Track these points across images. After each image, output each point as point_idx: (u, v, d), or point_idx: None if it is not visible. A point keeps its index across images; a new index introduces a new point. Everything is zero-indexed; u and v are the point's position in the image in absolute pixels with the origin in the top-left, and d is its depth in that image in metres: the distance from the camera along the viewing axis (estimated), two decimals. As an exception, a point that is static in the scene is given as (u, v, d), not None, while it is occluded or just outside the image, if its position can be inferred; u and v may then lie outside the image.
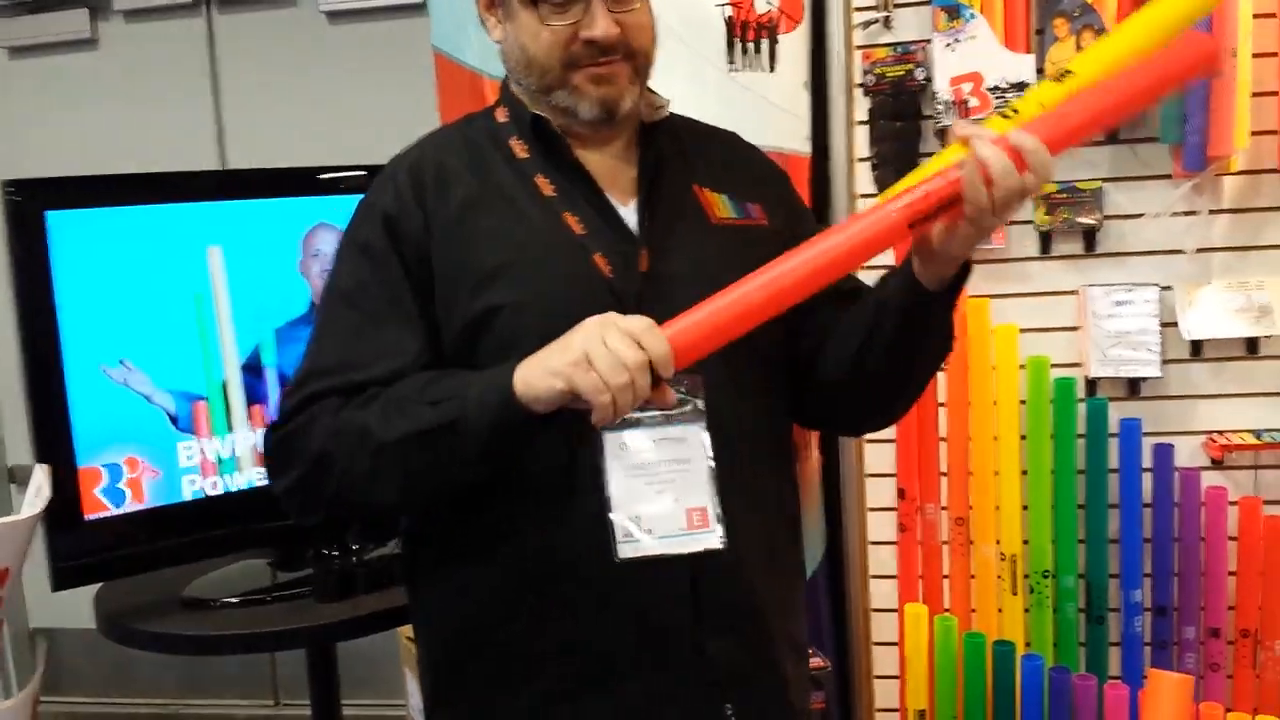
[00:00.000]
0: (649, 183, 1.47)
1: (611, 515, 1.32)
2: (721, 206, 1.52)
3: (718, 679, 1.41)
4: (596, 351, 1.20)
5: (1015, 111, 1.33)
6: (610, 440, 1.34)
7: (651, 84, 1.52)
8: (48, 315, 1.80)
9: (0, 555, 1.25)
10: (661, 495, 1.33)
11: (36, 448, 1.80)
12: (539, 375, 1.25)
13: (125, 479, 1.86)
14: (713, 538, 1.33)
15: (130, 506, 1.87)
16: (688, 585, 1.38)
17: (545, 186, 1.44)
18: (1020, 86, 2.26)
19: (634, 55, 1.43)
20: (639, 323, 1.22)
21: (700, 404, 1.36)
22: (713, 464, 1.34)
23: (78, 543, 1.83)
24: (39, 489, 1.58)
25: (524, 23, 1.42)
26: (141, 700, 4.00)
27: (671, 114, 1.55)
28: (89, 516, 1.83)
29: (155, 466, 1.89)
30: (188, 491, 1.92)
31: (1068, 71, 1.35)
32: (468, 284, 1.39)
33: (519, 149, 1.47)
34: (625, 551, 1.32)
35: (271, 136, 3.52)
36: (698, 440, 1.36)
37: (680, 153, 1.54)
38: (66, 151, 3.58)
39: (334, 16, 3.46)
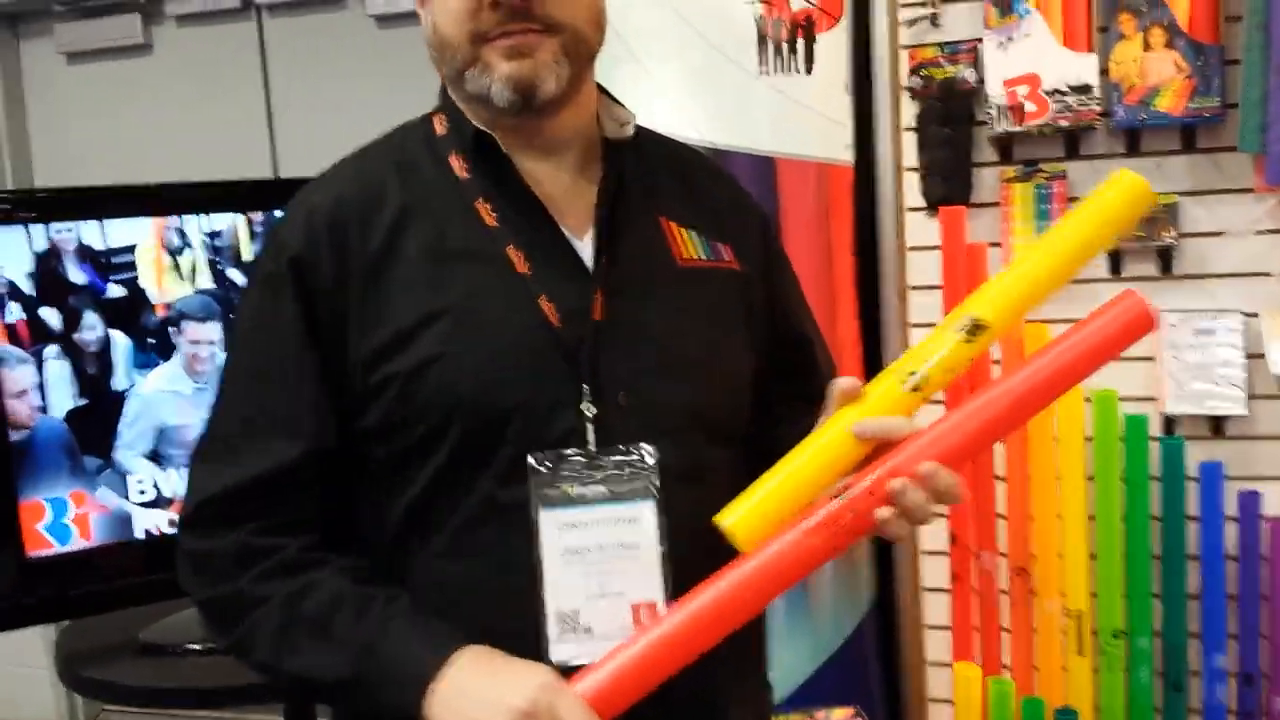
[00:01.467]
0: (608, 211, 1.26)
1: (545, 608, 1.16)
2: (689, 245, 1.31)
3: None
4: None
5: (925, 381, 1.13)
6: (547, 519, 1.17)
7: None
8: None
9: None
10: (604, 587, 1.17)
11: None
12: None
13: (71, 514, 1.74)
14: None
15: (77, 544, 1.75)
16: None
17: (486, 214, 1.24)
18: (1083, 89, 2.03)
19: (558, 28, 1.20)
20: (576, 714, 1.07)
21: (654, 480, 1.19)
22: (664, 550, 1.17)
23: (19, 582, 1.72)
24: None
25: None
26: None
27: (639, 129, 1.33)
28: (31, 554, 1.72)
29: (103, 502, 1.76)
30: (140, 529, 1.80)
31: (978, 324, 1.13)
32: (390, 337, 1.20)
33: (459, 167, 1.26)
34: (559, 653, 1.16)
35: (322, 139, 3.43)
36: (649, 522, 1.19)
37: (648, 177, 1.33)
38: (120, 155, 3.57)
39: (382, 20, 3.35)
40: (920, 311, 2.20)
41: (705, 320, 1.28)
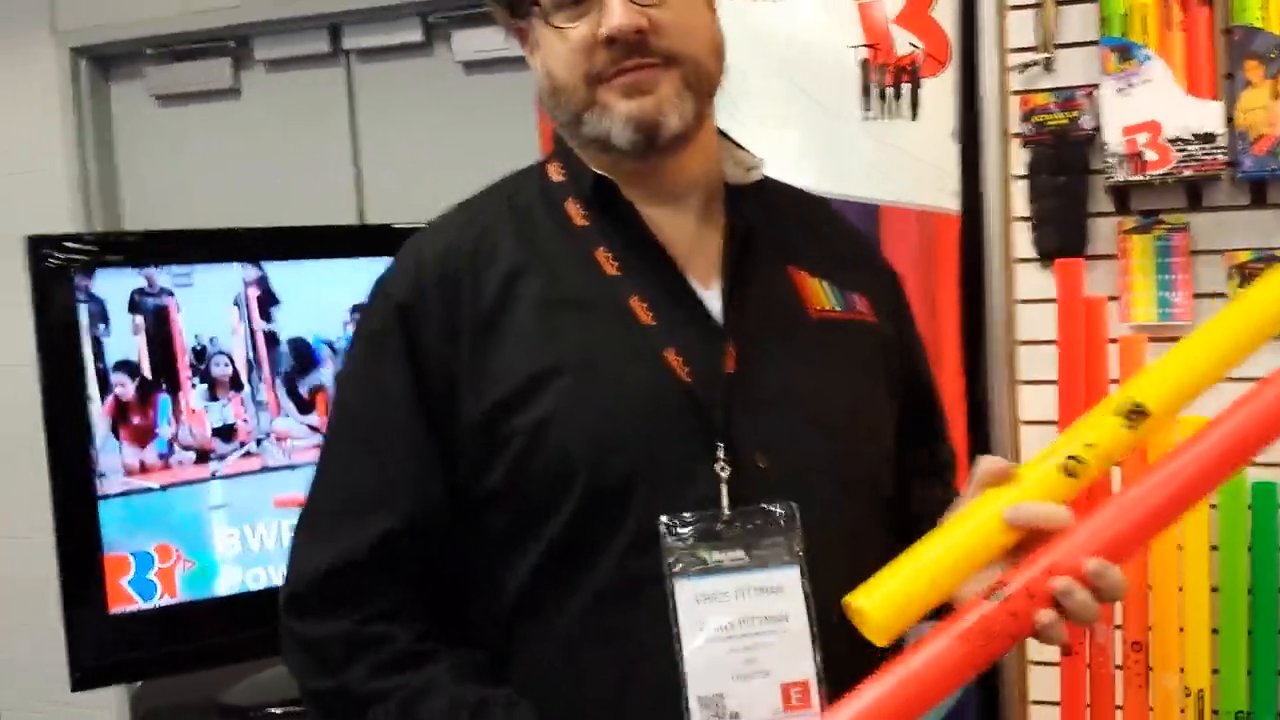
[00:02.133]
0: (736, 261, 1.19)
1: (688, 695, 1.06)
2: (822, 296, 1.23)
3: None
4: None
5: (1080, 466, 1.04)
6: (682, 589, 1.08)
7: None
8: (74, 380, 1.66)
9: None
10: (750, 665, 1.07)
11: (58, 531, 1.65)
12: None
13: (156, 569, 1.69)
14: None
15: (161, 600, 1.70)
16: None
17: (608, 263, 1.17)
18: (1207, 138, 1.93)
19: (678, 61, 1.14)
20: None
21: (798, 543, 1.10)
22: (814, 622, 1.08)
23: (101, 640, 1.68)
24: None
25: (545, 43, 1.16)
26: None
27: (766, 177, 1.26)
28: (114, 610, 1.68)
29: (189, 556, 1.71)
30: (225, 585, 1.74)
31: (1140, 410, 1.04)
32: (505, 395, 1.13)
33: (576, 215, 1.20)
34: None
35: (408, 185, 3.44)
36: (795, 590, 1.09)
37: (776, 225, 1.25)
38: (208, 199, 3.60)
39: (470, 67, 3.36)
40: (1028, 367, 2.10)
41: (845, 374, 1.21)
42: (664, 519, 1.09)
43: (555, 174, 1.25)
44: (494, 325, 1.15)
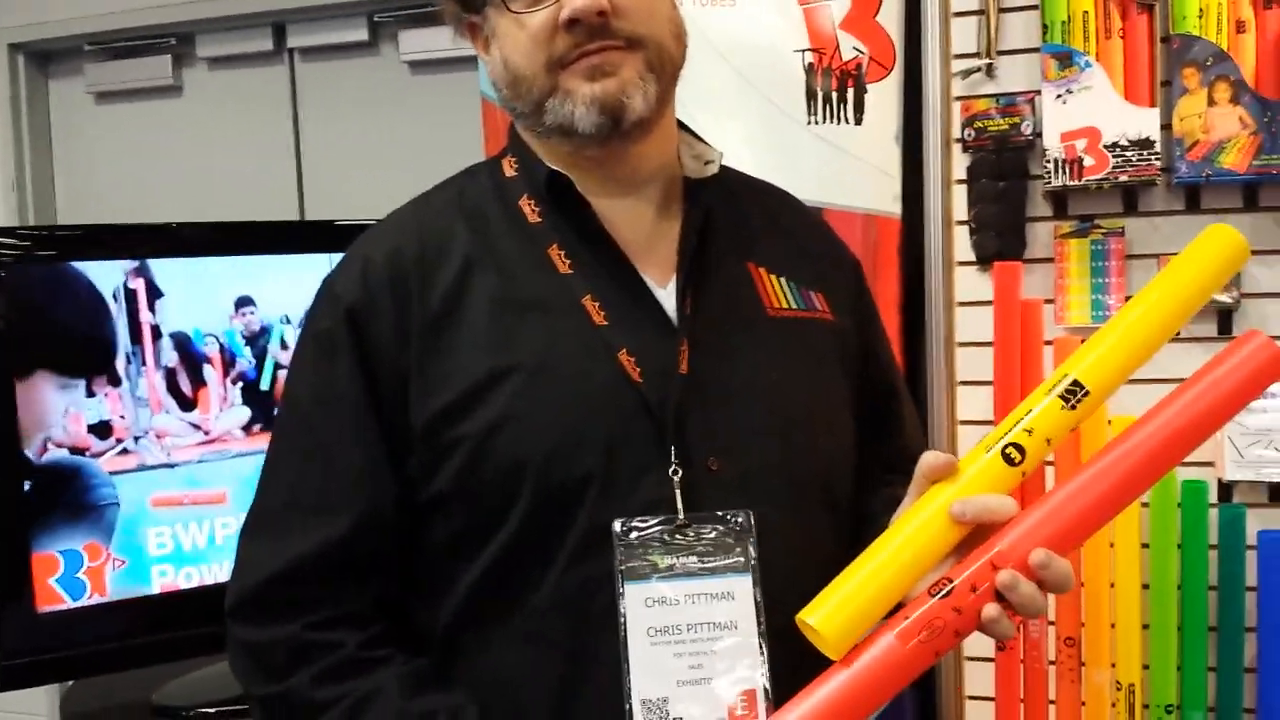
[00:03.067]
0: (692, 257, 1.18)
1: (632, 699, 1.06)
2: (780, 294, 1.23)
3: None
4: None
5: (1021, 454, 1.03)
6: (632, 593, 1.07)
7: (715, 134, 1.26)
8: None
9: None
10: (696, 671, 1.06)
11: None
12: None
13: (85, 568, 1.66)
14: None
15: (90, 599, 1.67)
16: None
17: (560, 261, 1.16)
18: (1144, 144, 1.97)
19: (641, 43, 1.13)
20: None
21: (751, 551, 1.09)
22: (763, 630, 1.07)
23: (28, 638, 1.65)
24: None
25: (503, 32, 1.15)
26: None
27: (724, 168, 1.25)
28: (42, 609, 1.65)
29: (121, 555, 1.69)
30: (157, 584, 1.72)
31: (1079, 387, 1.03)
32: (455, 398, 1.12)
33: (530, 211, 1.19)
34: None
35: (350, 183, 3.42)
36: (746, 598, 1.08)
37: (735, 220, 1.25)
38: (147, 196, 3.56)
39: (415, 66, 3.33)
40: (967, 368, 2.13)
41: (801, 375, 1.20)
42: (618, 522, 1.08)
43: (509, 170, 1.24)
44: (445, 326, 1.14)
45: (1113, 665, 2.05)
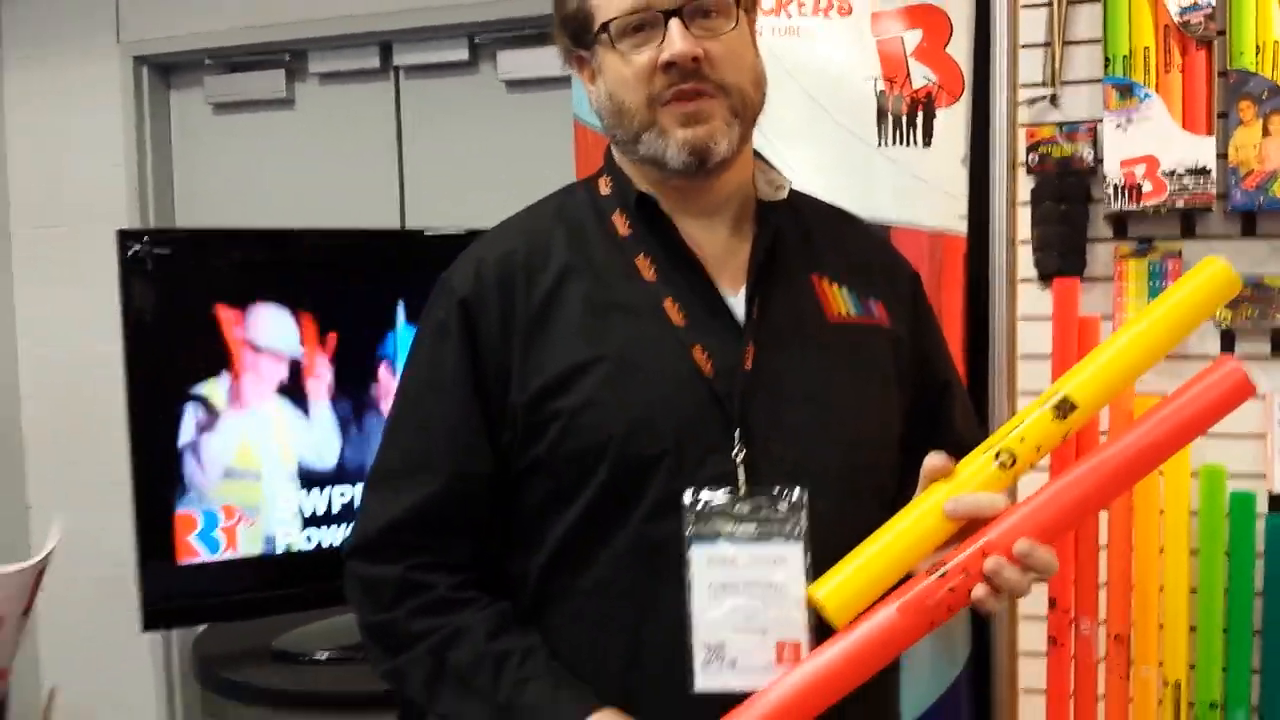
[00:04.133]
0: (761, 269, 1.34)
1: (692, 638, 1.22)
2: (841, 302, 1.38)
3: None
4: None
5: (1013, 459, 1.17)
6: (698, 553, 1.23)
7: (790, 159, 1.42)
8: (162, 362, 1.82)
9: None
10: (750, 622, 1.21)
11: (136, 490, 1.81)
12: None
13: (221, 527, 1.85)
14: None
15: (224, 554, 1.86)
16: None
17: (646, 269, 1.33)
18: (1201, 172, 2.07)
19: (727, 90, 1.29)
20: None
21: (803, 524, 1.24)
22: (809, 592, 1.21)
23: (168, 586, 1.84)
24: (51, 540, 1.56)
25: (609, 67, 1.31)
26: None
27: (794, 192, 1.42)
28: (181, 561, 1.83)
29: (251, 516, 1.88)
30: (281, 543, 1.91)
31: (1068, 403, 1.17)
32: (550, 381, 1.29)
33: (621, 225, 1.36)
34: (702, 682, 1.22)
35: (449, 196, 3.57)
36: (796, 563, 1.24)
37: (801, 237, 1.40)
38: (259, 203, 3.75)
39: (512, 85, 3.49)
40: (1029, 380, 2.23)
41: (853, 375, 1.34)
42: (688, 492, 1.24)
43: (604, 188, 1.41)
44: (544, 321, 1.31)
45: (1160, 663, 2.14)
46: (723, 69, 1.28)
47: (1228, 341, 2.16)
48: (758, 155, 1.43)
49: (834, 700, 1.16)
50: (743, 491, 1.25)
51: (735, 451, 1.26)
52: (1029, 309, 2.24)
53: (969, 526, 1.18)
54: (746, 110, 1.32)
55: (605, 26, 1.30)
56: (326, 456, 2.00)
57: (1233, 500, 2.11)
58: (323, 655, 1.92)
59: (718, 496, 1.24)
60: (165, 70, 3.88)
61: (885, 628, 1.15)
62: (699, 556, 1.23)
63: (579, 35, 1.35)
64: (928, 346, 1.49)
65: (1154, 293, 2.17)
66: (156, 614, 1.85)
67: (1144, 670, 2.15)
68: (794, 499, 1.25)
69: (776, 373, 1.30)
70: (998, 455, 1.18)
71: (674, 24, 1.26)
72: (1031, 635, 2.27)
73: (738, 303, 1.33)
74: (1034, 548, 1.14)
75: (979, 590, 1.14)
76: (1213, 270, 1.19)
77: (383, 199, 3.68)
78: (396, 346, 2.08)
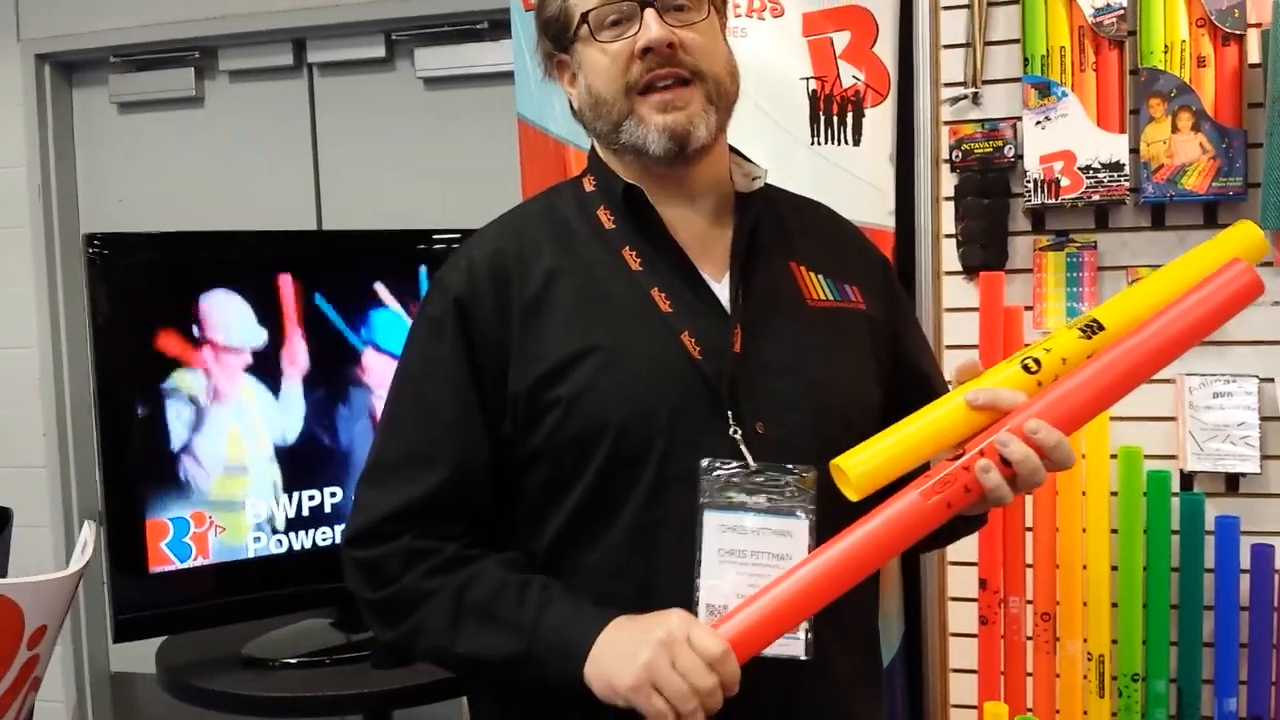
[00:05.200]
0: (743, 257, 1.39)
1: (698, 594, 1.27)
2: (818, 287, 1.44)
3: None
4: (664, 679, 1.15)
5: (1038, 365, 1.24)
6: (710, 519, 1.28)
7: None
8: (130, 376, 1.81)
9: (38, 613, 1.22)
10: (754, 589, 1.25)
11: (105, 498, 1.80)
12: (604, 682, 1.20)
13: (191, 534, 1.85)
14: (798, 645, 1.26)
15: (195, 561, 1.86)
16: (773, 694, 1.29)
17: (632, 260, 1.38)
18: (1115, 167, 2.17)
19: (702, 77, 1.34)
20: (711, 644, 1.16)
21: (811, 500, 1.30)
22: None
23: (140, 596, 1.84)
24: (85, 546, 1.57)
25: (589, 61, 1.37)
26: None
27: (768, 184, 1.46)
28: (153, 570, 1.83)
29: (222, 523, 1.87)
30: (252, 549, 1.91)
31: (1096, 325, 1.25)
32: (546, 371, 1.32)
33: (606, 219, 1.41)
34: None
35: (366, 195, 3.55)
36: (802, 537, 1.29)
37: (777, 226, 1.46)
38: (167, 205, 3.67)
39: (430, 83, 3.47)
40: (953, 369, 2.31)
41: (835, 355, 1.40)
42: (705, 460, 1.29)
43: (588, 185, 1.45)
44: (538, 311, 1.35)
45: (1084, 639, 2.23)
46: (697, 55, 1.34)
47: (1141, 328, 2.24)
48: (733, 149, 1.48)
49: (854, 581, 1.19)
50: (754, 466, 1.29)
51: (731, 431, 1.30)
52: (954, 301, 2.33)
53: (992, 426, 1.22)
54: (722, 98, 1.37)
55: (585, 18, 1.35)
56: (299, 453, 1.99)
57: (1150, 479, 2.20)
58: (293, 660, 1.91)
59: (732, 467, 1.29)
60: (68, 69, 3.80)
61: (910, 507, 1.19)
62: (711, 523, 1.28)
63: (559, 37, 1.40)
64: (904, 330, 1.55)
65: (1070, 284, 2.27)
66: (128, 624, 1.82)
67: (1070, 646, 2.24)
68: (804, 476, 1.30)
69: (764, 353, 1.35)
70: (1024, 361, 1.24)
71: (649, 12, 1.32)
72: (960, 616, 2.35)
73: (721, 288, 1.38)
74: (1042, 425, 1.19)
75: (993, 476, 1.18)
76: (1243, 230, 1.29)
77: (298, 199, 3.63)
78: (375, 341, 2.08)
